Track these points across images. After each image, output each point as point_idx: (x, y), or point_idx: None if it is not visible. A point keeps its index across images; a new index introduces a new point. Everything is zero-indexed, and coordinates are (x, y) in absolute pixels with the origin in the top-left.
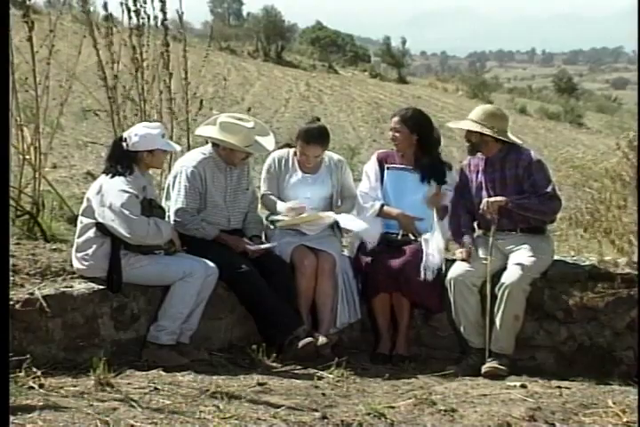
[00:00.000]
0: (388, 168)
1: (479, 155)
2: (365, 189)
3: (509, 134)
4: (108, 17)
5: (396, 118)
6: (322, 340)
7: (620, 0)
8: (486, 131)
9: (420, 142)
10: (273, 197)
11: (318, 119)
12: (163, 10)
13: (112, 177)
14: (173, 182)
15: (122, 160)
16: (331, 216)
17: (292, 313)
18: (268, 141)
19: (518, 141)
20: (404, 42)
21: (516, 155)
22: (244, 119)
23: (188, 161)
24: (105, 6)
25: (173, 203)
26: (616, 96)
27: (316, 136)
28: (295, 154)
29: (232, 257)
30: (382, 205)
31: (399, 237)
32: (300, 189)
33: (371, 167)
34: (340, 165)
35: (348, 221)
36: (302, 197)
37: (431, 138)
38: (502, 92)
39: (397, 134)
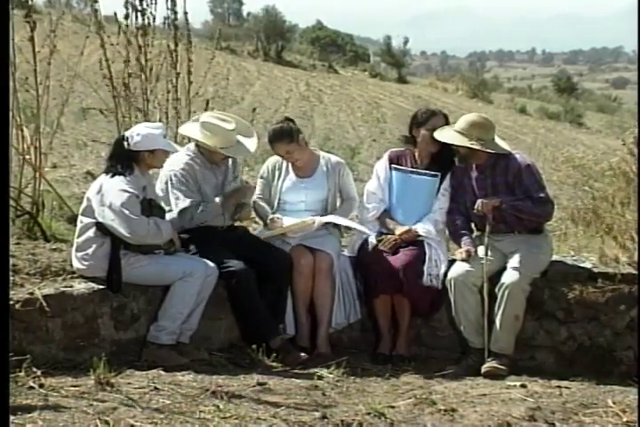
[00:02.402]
0: (395, 169)
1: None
2: (373, 188)
3: (498, 140)
4: (126, 15)
5: (440, 117)
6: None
7: (619, 0)
8: (474, 145)
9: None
10: (262, 203)
11: (288, 119)
12: (173, 9)
13: (112, 176)
14: (166, 188)
15: (122, 160)
16: (315, 220)
17: (270, 322)
18: (251, 143)
19: (507, 148)
20: (405, 41)
21: (506, 161)
22: (227, 120)
23: (175, 164)
24: (126, 5)
25: (174, 206)
26: (616, 96)
27: (276, 135)
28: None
29: (230, 258)
30: (385, 211)
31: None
32: (294, 193)
33: (381, 167)
34: (338, 168)
35: (340, 219)
36: (297, 201)
37: None
38: (502, 92)
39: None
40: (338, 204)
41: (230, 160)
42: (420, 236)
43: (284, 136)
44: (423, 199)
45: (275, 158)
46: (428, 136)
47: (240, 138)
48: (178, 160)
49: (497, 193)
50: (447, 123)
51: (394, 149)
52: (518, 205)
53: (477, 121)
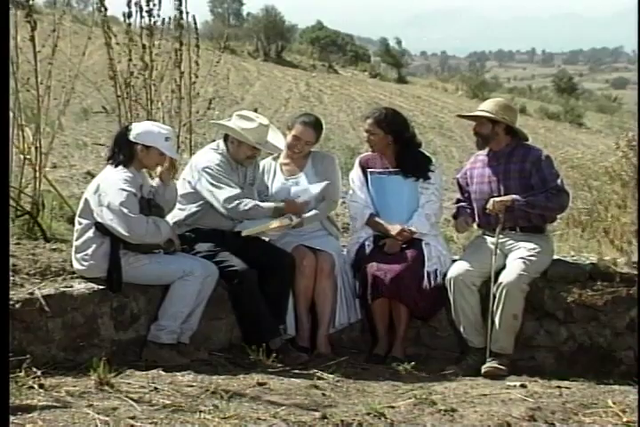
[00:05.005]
0: (370, 173)
1: (484, 151)
2: (354, 197)
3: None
4: (129, 14)
5: (369, 121)
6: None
7: (619, 0)
8: (500, 119)
9: (397, 142)
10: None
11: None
12: (179, 9)
13: (116, 166)
14: (194, 185)
15: (123, 148)
16: (290, 221)
17: (271, 323)
18: (278, 139)
19: (528, 137)
20: (399, 42)
21: (525, 150)
22: (261, 117)
23: (208, 161)
24: (128, 3)
25: (219, 195)
26: (616, 96)
27: (313, 123)
28: (278, 156)
29: (232, 259)
30: (371, 215)
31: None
32: (284, 194)
33: (355, 174)
34: (326, 162)
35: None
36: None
37: (407, 137)
38: (502, 92)
39: (372, 137)
40: None
41: (253, 165)
42: (414, 233)
43: (318, 128)
44: (406, 197)
45: (264, 162)
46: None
47: (270, 135)
48: (210, 157)
49: (508, 180)
50: (378, 126)
51: (363, 154)
52: (531, 200)
53: (504, 102)
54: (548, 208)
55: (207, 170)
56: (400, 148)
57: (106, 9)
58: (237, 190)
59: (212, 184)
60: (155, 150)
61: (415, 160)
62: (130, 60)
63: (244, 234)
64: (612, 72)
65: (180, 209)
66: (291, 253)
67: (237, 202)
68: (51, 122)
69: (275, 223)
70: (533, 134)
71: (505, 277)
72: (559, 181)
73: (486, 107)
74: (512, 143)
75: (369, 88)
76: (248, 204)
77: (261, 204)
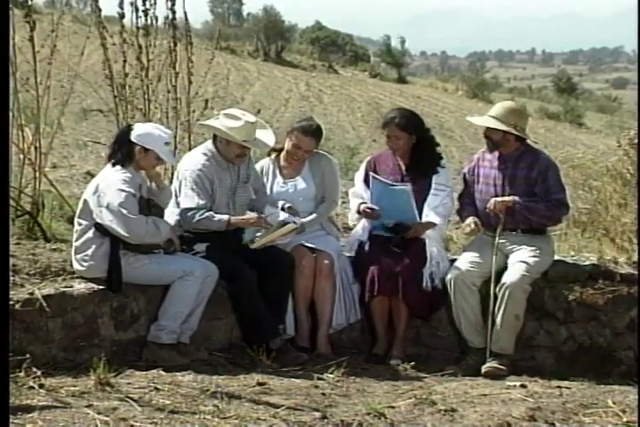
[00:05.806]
0: (373, 177)
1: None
2: (356, 190)
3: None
4: (122, 15)
5: (392, 127)
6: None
7: (619, 0)
8: (511, 130)
9: (419, 141)
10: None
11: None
12: (172, 9)
13: (113, 165)
14: (179, 186)
15: (123, 147)
16: (295, 225)
17: (270, 323)
18: (268, 136)
19: (535, 141)
20: (402, 42)
21: (533, 156)
22: (247, 115)
23: (192, 164)
24: (121, 5)
25: (181, 203)
26: (616, 96)
27: (314, 132)
28: (277, 158)
29: (232, 260)
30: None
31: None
32: (283, 196)
33: (359, 176)
34: (322, 163)
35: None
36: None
37: (427, 134)
38: (502, 92)
39: (398, 141)
40: None
41: (247, 162)
42: (434, 225)
43: (318, 137)
44: (404, 207)
45: (262, 162)
46: (386, 143)
47: (258, 133)
48: (195, 160)
49: (514, 185)
50: (404, 130)
51: (374, 154)
52: (531, 206)
53: (514, 107)
54: (546, 217)
55: (187, 172)
56: (417, 145)
57: (100, 10)
58: (202, 202)
59: (184, 188)
60: (153, 154)
61: (428, 159)
62: (124, 60)
63: (252, 247)
64: (612, 72)
65: (172, 212)
66: (290, 253)
67: (193, 212)
68: (50, 122)
69: (280, 231)
70: (533, 134)
71: (508, 278)
72: (563, 194)
73: (497, 113)
74: (521, 147)
75: (369, 88)
76: (203, 213)
77: (216, 215)
